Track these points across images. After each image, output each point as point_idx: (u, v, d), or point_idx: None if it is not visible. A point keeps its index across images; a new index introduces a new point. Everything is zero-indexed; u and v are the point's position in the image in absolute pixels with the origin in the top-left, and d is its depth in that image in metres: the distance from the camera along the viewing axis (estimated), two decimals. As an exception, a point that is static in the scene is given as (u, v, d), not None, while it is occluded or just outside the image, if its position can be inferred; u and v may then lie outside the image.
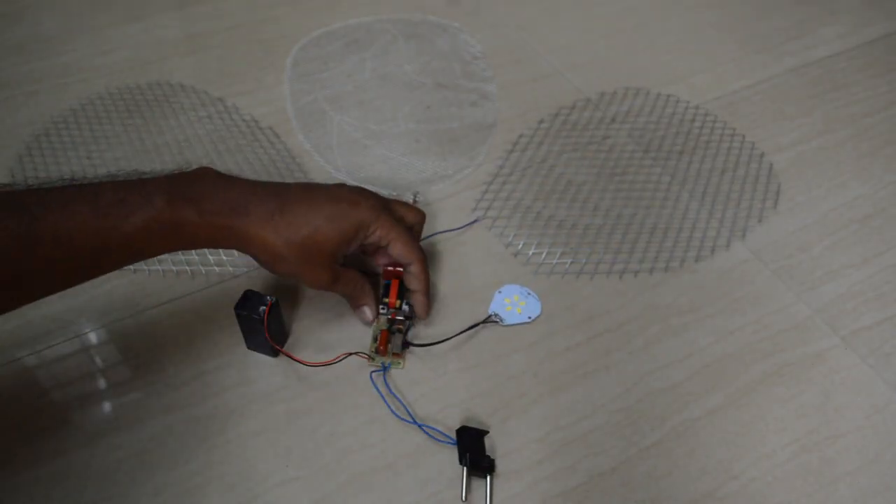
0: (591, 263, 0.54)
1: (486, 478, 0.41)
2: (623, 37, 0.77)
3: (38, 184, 0.37)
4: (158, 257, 0.52)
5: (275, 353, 0.46)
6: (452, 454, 0.42)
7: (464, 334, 0.48)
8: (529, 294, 0.50)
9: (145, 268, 0.52)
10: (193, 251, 0.53)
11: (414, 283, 0.47)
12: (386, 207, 0.45)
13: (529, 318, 0.49)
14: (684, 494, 0.41)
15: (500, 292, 0.50)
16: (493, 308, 0.49)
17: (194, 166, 0.41)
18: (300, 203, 0.41)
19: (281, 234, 0.40)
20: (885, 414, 0.45)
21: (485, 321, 0.48)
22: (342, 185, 0.46)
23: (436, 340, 0.47)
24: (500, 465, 0.42)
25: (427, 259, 0.47)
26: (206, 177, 0.40)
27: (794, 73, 0.72)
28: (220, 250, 0.53)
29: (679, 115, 0.67)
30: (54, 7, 0.79)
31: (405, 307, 0.47)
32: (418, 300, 0.47)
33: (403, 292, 0.47)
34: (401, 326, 0.48)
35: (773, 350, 0.48)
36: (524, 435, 0.43)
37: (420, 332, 0.49)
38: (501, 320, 0.48)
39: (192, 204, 0.38)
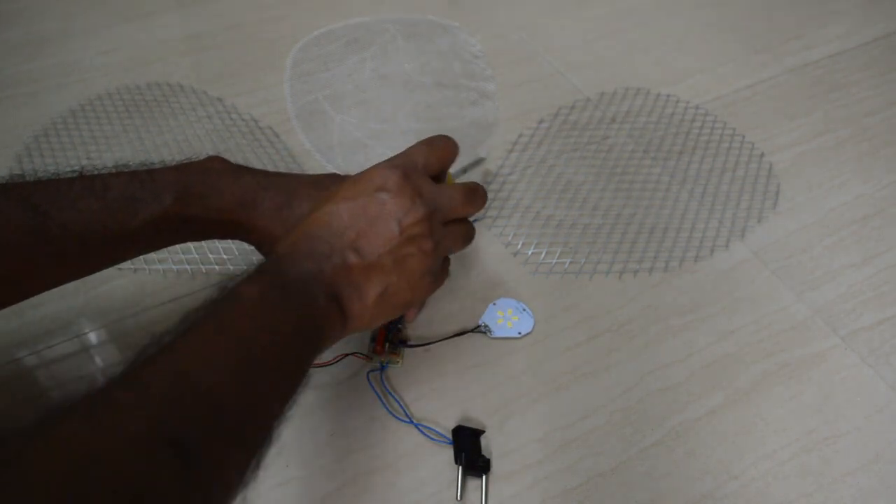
0: (591, 263, 0.54)
1: (481, 477, 0.41)
2: (623, 37, 0.77)
3: (48, 176, 0.37)
4: (159, 256, 0.53)
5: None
6: (451, 454, 0.42)
7: (462, 334, 0.48)
8: (524, 310, 0.50)
9: (145, 267, 0.52)
10: (194, 250, 0.53)
11: None
12: None
13: (519, 333, 0.48)
14: (684, 494, 0.41)
15: (494, 304, 0.50)
16: (485, 319, 0.49)
17: (203, 156, 0.41)
18: (308, 199, 0.41)
19: (288, 228, 0.40)
20: (885, 414, 0.45)
21: (472, 330, 0.48)
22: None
23: (427, 342, 0.47)
24: (500, 466, 0.42)
25: None
26: (214, 169, 0.40)
27: (794, 73, 0.72)
28: (221, 249, 0.53)
29: (679, 115, 0.67)
30: (54, 7, 0.79)
31: None
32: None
33: None
34: (400, 326, 0.48)
35: (773, 350, 0.48)
36: (524, 435, 0.43)
37: (417, 332, 0.49)
38: (490, 332, 0.48)
39: (199, 199, 0.39)
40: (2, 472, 0.20)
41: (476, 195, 0.41)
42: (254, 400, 0.28)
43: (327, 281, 0.34)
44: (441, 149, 0.40)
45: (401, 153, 0.39)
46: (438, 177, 0.42)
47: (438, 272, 0.40)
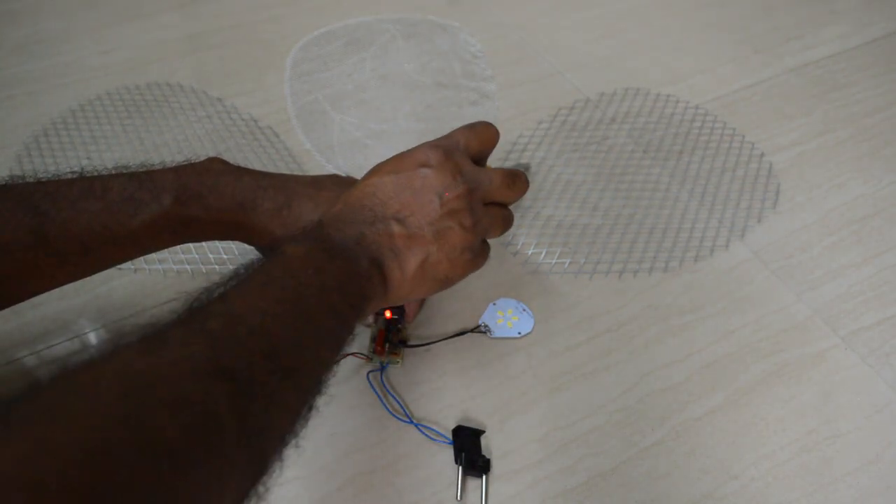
0: (591, 263, 0.54)
1: (481, 477, 0.41)
2: (623, 37, 0.77)
3: (48, 176, 0.37)
4: (160, 256, 0.53)
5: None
6: (451, 454, 0.42)
7: (462, 334, 0.48)
8: (525, 310, 0.50)
9: (146, 267, 0.52)
10: (194, 250, 0.53)
11: None
12: None
13: (519, 333, 0.48)
14: (684, 494, 0.41)
15: (494, 304, 0.50)
16: (485, 319, 0.49)
17: (202, 158, 0.42)
18: (308, 199, 0.41)
19: (288, 229, 0.40)
20: (885, 414, 0.45)
21: (472, 330, 0.48)
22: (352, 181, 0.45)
23: (428, 341, 0.47)
24: (500, 466, 0.42)
25: None
26: (213, 170, 0.41)
27: (794, 73, 0.72)
28: (221, 249, 0.53)
29: (679, 115, 0.67)
30: (54, 7, 0.79)
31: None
32: (413, 303, 0.47)
33: None
34: (400, 326, 0.48)
35: (773, 350, 0.48)
36: (524, 435, 0.43)
37: (417, 332, 0.49)
38: (490, 332, 0.48)
39: (199, 199, 0.39)
40: (58, 393, 0.20)
41: (517, 181, 0.42)
42: (303, 343, 0.29)
43: (370, 246, 0.35)
44: (481, 132, 0.42)
45: (444, 135, 0.41)
46: (480, 162, 0.43)
47: (478, 251, 0.40)
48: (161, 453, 0.20)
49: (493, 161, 0.62)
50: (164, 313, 0.26)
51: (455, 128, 0.41)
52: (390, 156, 0.39)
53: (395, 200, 0.37)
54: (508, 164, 0.62)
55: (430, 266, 0.37)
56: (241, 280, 0.29)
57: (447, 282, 0.39)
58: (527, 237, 0.55)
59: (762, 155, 0.63)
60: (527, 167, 0.61)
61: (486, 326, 0.49)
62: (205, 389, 0.23)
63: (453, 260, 0.38)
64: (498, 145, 0.63)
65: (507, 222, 0.43)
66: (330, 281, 0.32)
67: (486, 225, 0.40)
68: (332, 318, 0.31)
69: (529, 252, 0.54)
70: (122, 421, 0.20)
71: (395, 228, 0.36)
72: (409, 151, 0.39)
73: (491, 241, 0.55)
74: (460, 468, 0.41)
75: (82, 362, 0.21)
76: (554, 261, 0.54)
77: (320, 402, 0.30)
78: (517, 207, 0.58)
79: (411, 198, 0.37)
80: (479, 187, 0.39)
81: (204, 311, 0.26)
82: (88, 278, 0.40)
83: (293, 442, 0.28)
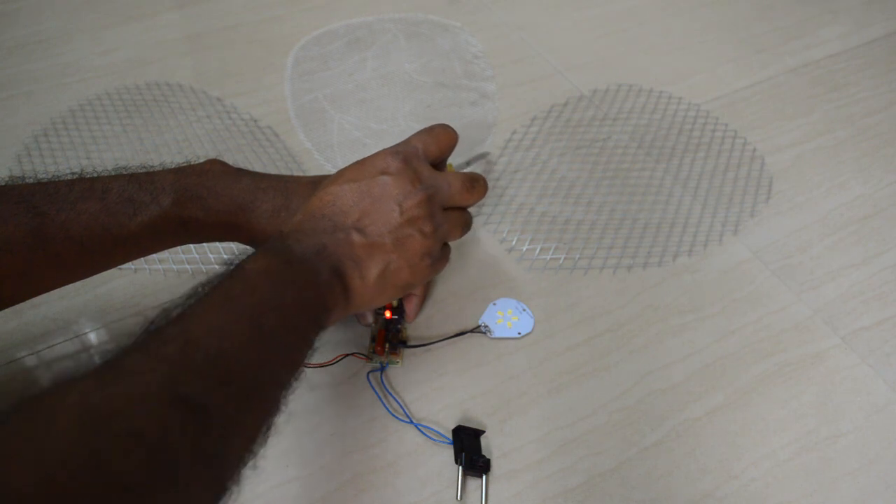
0: (585, 259, 0.54)
1: (481, 477, 0.41)
2: (623, 37, 0.77)
3: (48, 177, 0.37)
4: (160, 256, 0.53)
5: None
6: (451, 454, 0.42)
7: (462, 334, 0.48)
8: (524, 310, 0.50)
9: (146, 267, 0.52)
10: (194, 250, 0.53)
11: None
12: None
13: (519, 333, 0.48)
14: (684, 494, 0.41)
15: (494, 304, 0.50)
16: (485, 319, 0.49)
17: (202, 159, 0.42)
18: (307, 200, 0.41)
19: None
20: (885, 414, 0.45)
21: (472, 331, 0.48)
22: None
23: (427, 342, 0.47)
24: (500, 465, 0.42)
25: None
26: (212, 172, 0.41)
27: (794, 73, 0.72)
28: (221, 249, 0.54)
29: (680, 115, 0.67)
30: (54, 7, 0.79)
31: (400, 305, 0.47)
32: (413, 302, 0.47)
33: None
34: (400, 326, 0.48)
35: (773, 350, 0.48)
36: (524, 435, 0.43)
37: (417, 332, 0.49)
38: (490, 332, 0.48)
39: (198, 201, 0.39)
40: (13, 431, 0.20)
41: (476, 184, 0.42)
42: (261, 365, 0.29)
43: (330, 255, 0.35)
44: (439, 136, 0.42)
45: (402, 141, 0.41)
46: (439, 165, 0.43)
47: (438, 256, 0.41)
48: (117, 488, 0.20)
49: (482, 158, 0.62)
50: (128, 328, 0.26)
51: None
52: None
53: (356, 209, 0.37)
54: (469, 155, 0.62)
55: (390, 273, 0.37)
56: (199, 299, 0.29)
57: (408, 287, 0.39)
58: (521, 234, 0.55)
59: (754, 150, 0.63)
60: (485, 155, 0.61)
61: (486, 326, 0.49)
62: (160, 421, 0.23)
63: (414, 266, 0.38)
64: (499, 144, 0.63)
65: (466, 226, 0.43)
66: (289, 295, 0.32)
67: (446, 230, 0.40)
68: (291, 334, 0.31)
69: (524, 248, 0.54)
70: (77, 457, 0.20)
71: (356, 238, 0.36)
72: (368, 158, 0.39)
73: (490, 244, 0.56)
74: (460, 468, 0.41)
75: (39, 394, 0.21)
76: (548, 257, 0.54)
77: (280, 420, 0.30)
78: (511, 204, 0.58)
79: (371, 206, 0.37)
80: (438, 193, 0.39)
81: (161, 335, 0.26)
82: (88, 278, 0.40)
83: (252, 462, 0.28)
